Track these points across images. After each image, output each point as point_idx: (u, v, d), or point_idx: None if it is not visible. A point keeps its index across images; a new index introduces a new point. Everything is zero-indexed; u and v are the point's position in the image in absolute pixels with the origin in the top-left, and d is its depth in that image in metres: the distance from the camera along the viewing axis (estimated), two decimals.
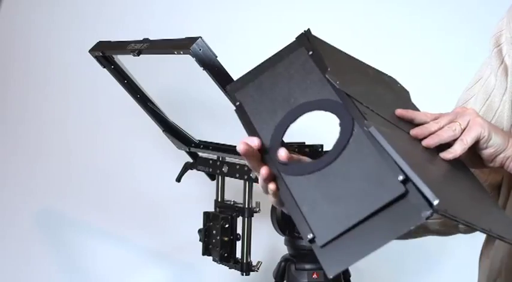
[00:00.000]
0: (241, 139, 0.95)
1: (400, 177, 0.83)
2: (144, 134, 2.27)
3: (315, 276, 1.75)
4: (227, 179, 1.85)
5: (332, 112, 0.94)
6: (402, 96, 1.14)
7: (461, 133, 1.01)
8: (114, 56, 1.80)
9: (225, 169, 1.80)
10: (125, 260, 2.34)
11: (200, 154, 1.94)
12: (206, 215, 1.84)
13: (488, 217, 0.99)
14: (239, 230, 1.79)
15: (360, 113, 0.92)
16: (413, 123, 1.03)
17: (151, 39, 1.69)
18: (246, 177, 1.73)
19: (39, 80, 2.33)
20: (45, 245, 2.33)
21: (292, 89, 0.99)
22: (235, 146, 0.97)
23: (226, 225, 1.78)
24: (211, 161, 1.87)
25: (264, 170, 0.93)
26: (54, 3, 2.32)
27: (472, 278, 1.34)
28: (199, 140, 1.91)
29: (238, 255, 1.80)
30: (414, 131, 1.01)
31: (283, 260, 1.80)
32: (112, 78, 1.85)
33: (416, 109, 1.11)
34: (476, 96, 1.23)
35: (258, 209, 1.80)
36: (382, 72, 1.15)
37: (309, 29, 1.03)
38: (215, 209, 1.86)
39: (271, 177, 0.94)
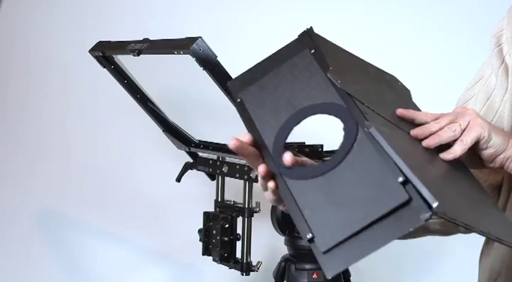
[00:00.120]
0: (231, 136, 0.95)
1: (400, 179, 0.83)
2: (144, 134, 2.27)
3: (315, 276, 1.75)
4: (227, 179, 1.85)
5: (336, 116, 0.93)
6: (403, 95, 1.14)
7: (461, 133, 1.01)
8: (114, 56, 1.80)
9: (225, 169, 1.80)
10: (125, 260, 2.34)
11: (200, 154, 1.94)
12: (206, 215, 1.84)
13: (487, 219, 0.99)
14: (239, 230, 1.79)
15: (361, 113, 0.92)
16: (413, 123, 1.03)
17: (151, 39, 1.69)
18: (246, 177, 1.73)
19: (39, 80, 2.33)
20: (45, 245, 2.33)
21: (296, 91, 0.98)
22: None
23: (226, 225, 1.78)
24: (211, 161, 1.87)
25: (261, 168, 0.93)
26: (54, 3, 2.32)
27: (472, 278, 1.34)
28: (199, 140, 1.91)
29: (238, 255, 1.80)
30: (414, 131, 1.01)
31: (283, 260, 1.80)
32: (112, 78, 1.85)
33: (417, 108, 1.11)
34: (476, 96, 1.23)
35: (258, 209, 1.80)
36: (383, 71, 1.14)
37: (311, 27, 1.03)
38: (215, 209, 1.86)
39: (270, 175, 0.94)
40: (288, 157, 0.92)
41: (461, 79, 1.32)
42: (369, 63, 1.12)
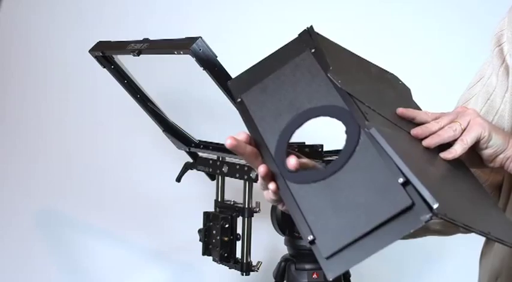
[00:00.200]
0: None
1: (400, 180, 0.83)
2: (144, 134, 2.27)
3: (315, 276, 1.75)
4: (227, 179, 1.85)
5: (338, 119, 0.93)
6: (403, 94, 1.14)
7: (462, 133, 1.01)
8: (114, 56, 1.80)
9: (225, 169, 1.80)
10: (125, 259, 2.34)
11: (200, 154, 1.94)
12: (206, 215, 1.84)
13: (488, 219, 0.99)
14: (239, 230, 1.79)
15: (362, 113, 0.91)
16: (414, 122, 1.03)
17: (151, 39, 1.69)
18: (246, 177, 1.73)
19: (39, 80, 2.33)
20: (45, 245, 2.33)
21: (298, 93, 0.98)
22: None
23: (226, 225, 1.77)
24: (211, 161, 1.87)
25: (262, 168, 0.93)
26: (54, 3, 2.32)
27: (472, 278, 1.34)
28: (199, 140, 1.91)
29: (238, 255, 1.80)
30: (415, 131, 1.01)
31: (283, 260, 1.80)
32: (112, 78, 1.85)
33: (418, 107, 1.11)
34: (477, 95, 1.23)
35: (258, 209, 1.80)
36: (384, 70, 1.14)
37: (311, 26, 1.03)
38: (215, 209, 1.86)
39: (270, 176, 0.94)
40: (292, 161, 0.92)
41: (461, 79, 1.32)
42: (369, 61, 1.11)
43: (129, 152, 2.33)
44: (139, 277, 2.34)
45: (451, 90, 1.40)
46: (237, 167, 1.76)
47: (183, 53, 1.54)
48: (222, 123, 2.22)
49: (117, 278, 2.34)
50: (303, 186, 0.91)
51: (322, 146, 1.68)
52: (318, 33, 1.03)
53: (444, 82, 2.24)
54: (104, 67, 1.83)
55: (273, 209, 1.77)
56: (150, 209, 2.33)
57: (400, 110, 1.03)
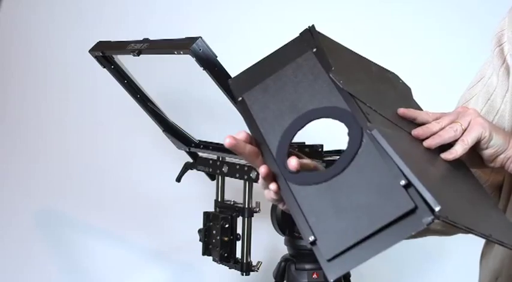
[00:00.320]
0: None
1: (402, 182, 0.83)
2: (144, 134, 2.27)
3: (315, 276, 1.75)
4: (227, 179, 1.85)
5: (341, 121, 0.93)
6: (404, 94, 1.14)
7: (462, 133, 1.01)
8: (114, 56, 1.80)
9: (225, 169, 1.80)
10: (125, 259, 2.34)
11: (200, 154, 1.94)
12: (206, 215, 1.84)
13: (489, 221, 0.99)
14: (239, 230, 1.79)
15: (363, 113, 0.91)
16: (414, 123, 1.03)
17: (151, 39, 1.68)
18: (246, 177, 1.73)
19: (39, 80, 2.33)
20: (45, 245, 2.33)
21: (300, 94, 0.98)
22: None
23: (226, 225, 1.77)
24: (211, 161, 1.87)
25: (263, 169, 0.93)
26: (54, 3, 2.32)
27: (472, 278, 1.34)
28: (199, 140, 1.91)
29: (238, 255, 1.80)
30: (416, 132, 1.01)
31: (283, 260, 1.80)
32: (112, 78, 1.85)
33: (418, 107, 1.11)
34: (477, 95, 1.23)
35: (258, 209, 1.79)
36: (385, 69, 1.14)
37: (313, 25, 1.03)
38: (215, 209, 1.86)
39: (271, 177, 0.94)
40: (293, 162, 0.92)
41: (462, 79, 1.32)
42: (370, 60, 1.11)
43: (129, 152, 2.33)
44: (139, 277, 2.34)
45: (451, 90, 1.40)
46: (237, 167, 1.76)
47: (183, 53, 1.54)
48: (222, 123, 2.21)
49: (117, 278, 2.34)
50: (304, 187, 0.90)
51: (322, 146, 1.68)
52: (319, 33, 1.03)
53: (444, 82, 2.24)
54: (104, 67, 1.83)
55: (273, 209, 1.77)
56: (150, 209, 2.33)
57: (401, 111, 1.03)
